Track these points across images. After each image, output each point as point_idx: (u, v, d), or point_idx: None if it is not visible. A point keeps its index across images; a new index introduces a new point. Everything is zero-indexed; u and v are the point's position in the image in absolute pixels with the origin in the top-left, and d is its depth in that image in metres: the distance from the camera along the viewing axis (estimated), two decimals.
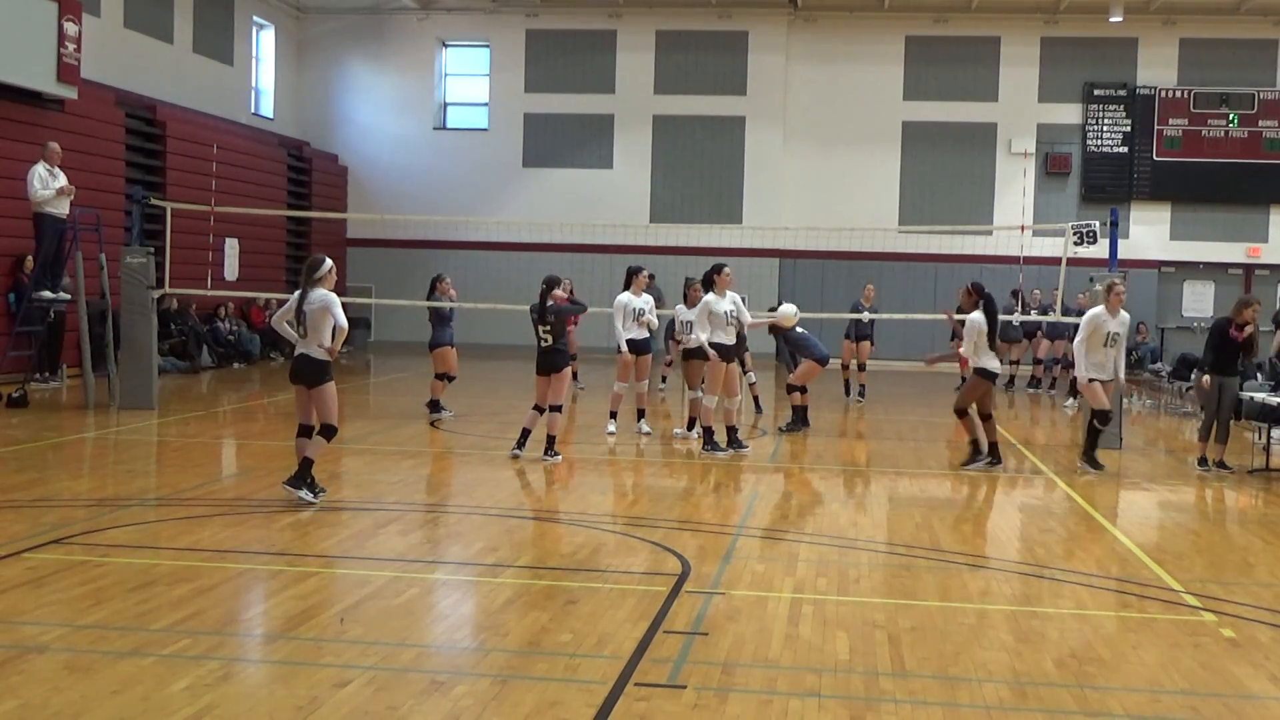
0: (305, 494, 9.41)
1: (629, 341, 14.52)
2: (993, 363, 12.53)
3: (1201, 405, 13.53)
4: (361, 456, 12.51)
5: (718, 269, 13.16)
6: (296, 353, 9.55)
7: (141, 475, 11.20)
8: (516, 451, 12.26)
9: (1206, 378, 12.70)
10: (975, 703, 5.47)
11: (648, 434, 14.33)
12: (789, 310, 14.42)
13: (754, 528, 9.35)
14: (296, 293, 9.61)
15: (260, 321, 24.33)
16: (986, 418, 12.66)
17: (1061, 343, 21.36)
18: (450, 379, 15.77)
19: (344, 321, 9.36)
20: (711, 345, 12.90)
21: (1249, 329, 12.59)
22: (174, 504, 9.58)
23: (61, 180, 15.67)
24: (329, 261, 9.65)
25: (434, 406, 15.71)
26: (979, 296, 12.56)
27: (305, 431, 9.63)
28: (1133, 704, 5.55)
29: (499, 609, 6.82)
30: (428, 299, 15.88)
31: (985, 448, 12.57)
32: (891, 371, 24.58)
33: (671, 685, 5.54)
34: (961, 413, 12.82)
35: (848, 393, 19.50)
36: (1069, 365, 20.35)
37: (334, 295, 9.45)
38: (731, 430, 13.24)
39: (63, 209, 15.74)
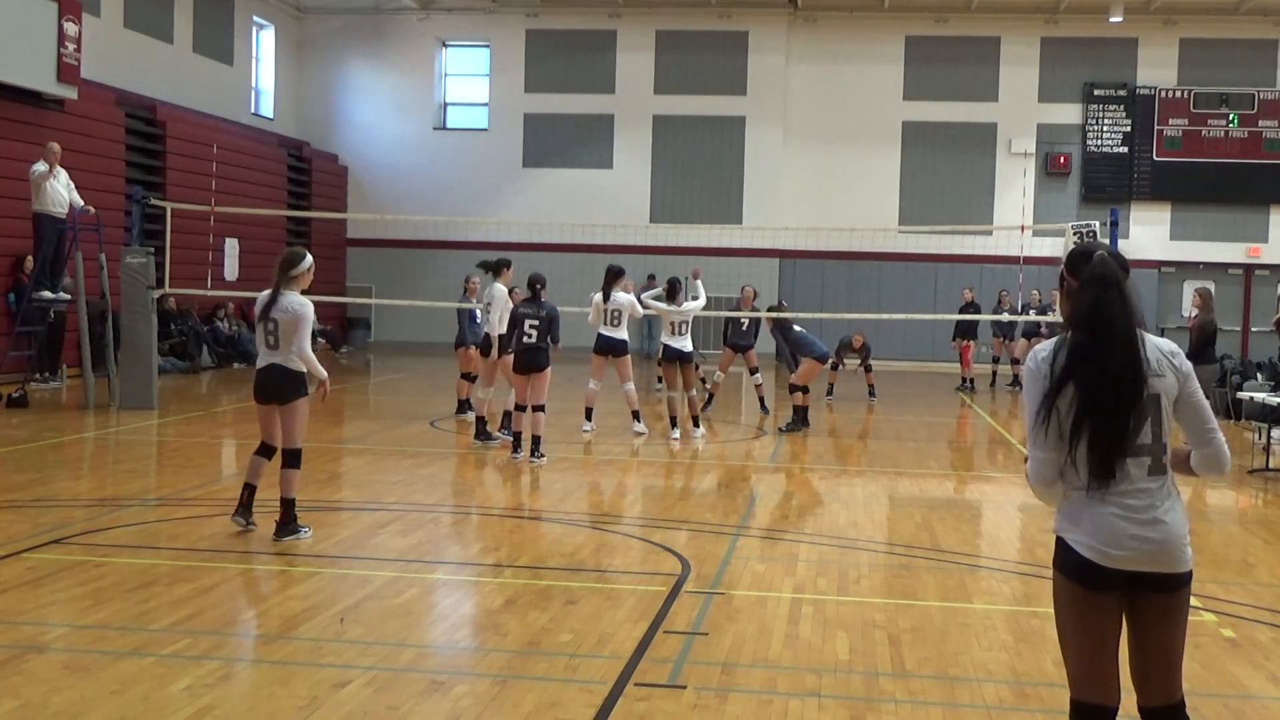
0: (303, 533, 8.24)
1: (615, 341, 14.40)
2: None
3: None
4: (361, 456, 12.51)
5: (506, 264, 13.39)
6: (264, 363, 8.18)
7: (141, 475, 11.19)
8: (515, 454, 12.24)
9: None
10: (975, 703, 5.46)
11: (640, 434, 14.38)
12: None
13: (754, 528, 9.35)
14: (265, 294, 8.25)
15: None
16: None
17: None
18: (464, 377, 15.69)
19: (308, 350, 8.06)
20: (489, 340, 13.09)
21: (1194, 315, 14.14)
22: (174, 504, 9.58)
23: (64, 176, 15.70)
24: (309, 258, 8.32)
25: (462, 407, 15.50)
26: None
27: (268, 451, 8.33)
28: (1133, 704, 5.53)
29: (499, 609, 6.81)
30: (461, 299, 15.90)
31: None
32: (891, 371, 24.56)
33: (671, 685, 5.54)
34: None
35: (829, 393, 19.55)
36: None
37: (310, 309, 8.11)
38: (483, 420, 13.24)
39: (63, 207, 15.74)
